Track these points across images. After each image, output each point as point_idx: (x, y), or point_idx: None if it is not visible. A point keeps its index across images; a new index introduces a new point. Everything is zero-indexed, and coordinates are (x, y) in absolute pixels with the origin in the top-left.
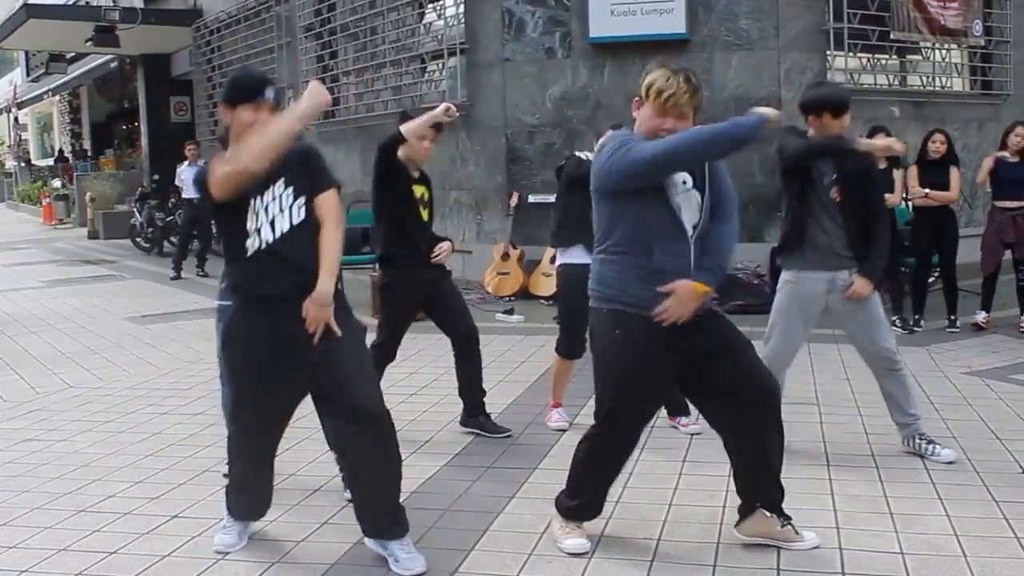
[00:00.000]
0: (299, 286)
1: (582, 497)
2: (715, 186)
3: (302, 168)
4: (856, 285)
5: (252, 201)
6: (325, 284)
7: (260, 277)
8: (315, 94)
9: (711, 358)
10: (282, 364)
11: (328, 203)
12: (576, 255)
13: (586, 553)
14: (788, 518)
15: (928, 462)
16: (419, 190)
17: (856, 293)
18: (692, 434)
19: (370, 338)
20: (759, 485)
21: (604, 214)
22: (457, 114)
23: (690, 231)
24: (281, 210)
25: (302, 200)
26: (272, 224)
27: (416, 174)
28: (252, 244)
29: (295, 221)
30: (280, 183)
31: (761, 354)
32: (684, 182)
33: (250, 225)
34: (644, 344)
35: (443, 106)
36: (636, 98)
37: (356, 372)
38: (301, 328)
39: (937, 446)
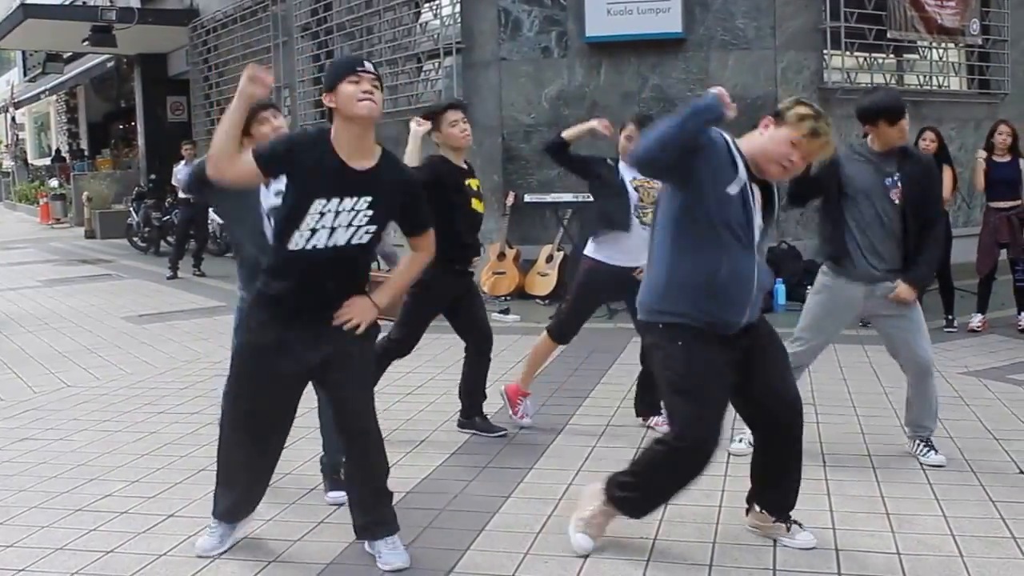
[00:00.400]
0: (320, 303)
1: (637, 492)
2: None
3: (399, 199)
4: (900, 290)
5: (319, 200)
6: (383, 297)
7: (288, 279)
8: (246, 76)
9: (751, 363)
10: (284, 358)
11: (428, 240)
12: (611, 253)
13: (585, 554)
14: (787, 521)
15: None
16: (474, 183)
17: (899, 297)
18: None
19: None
20: (769, 486)
21: None
22: (428, 124)
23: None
24: (349, 225)
25: (374, 228)
26: (331, 232)
27: (464, 165)
28: (299, 239)
29: (353, 242)
30: (364, 199)
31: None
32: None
33: (306, 222)
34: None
35: (414, 121)
36: (768, 117)
37: (359, 392)
38: (311, 331)
39: (932, 451)
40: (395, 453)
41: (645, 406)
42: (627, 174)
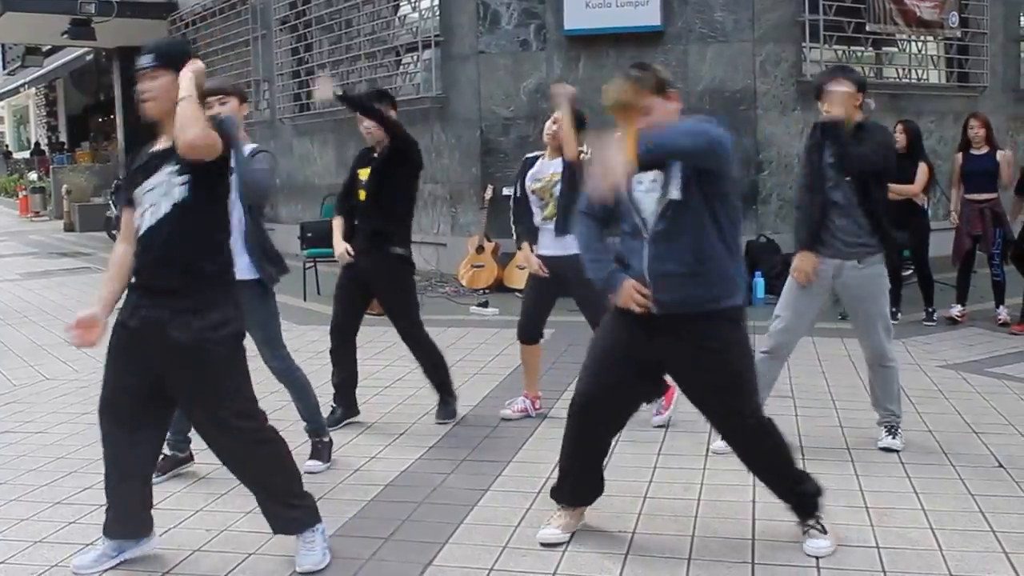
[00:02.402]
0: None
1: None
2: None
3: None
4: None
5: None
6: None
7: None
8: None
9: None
10: (129, 353)
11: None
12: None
13: (560, 544)
14: (809, 522)
15: (903, 455)
16: (364, 172)
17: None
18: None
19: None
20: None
21: None
22: None
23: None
24: (166, 194)
25: (186, 176)
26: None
27: (375, 154)
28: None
29: (176, 200)
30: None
31: (768, 332)
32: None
33: (138, 211)
34: None
35: None
36: None
37: (199, 410)
38: (150, 327)
39: (888, 436)
40: (373, 446)
41: None
42: (531, 177)
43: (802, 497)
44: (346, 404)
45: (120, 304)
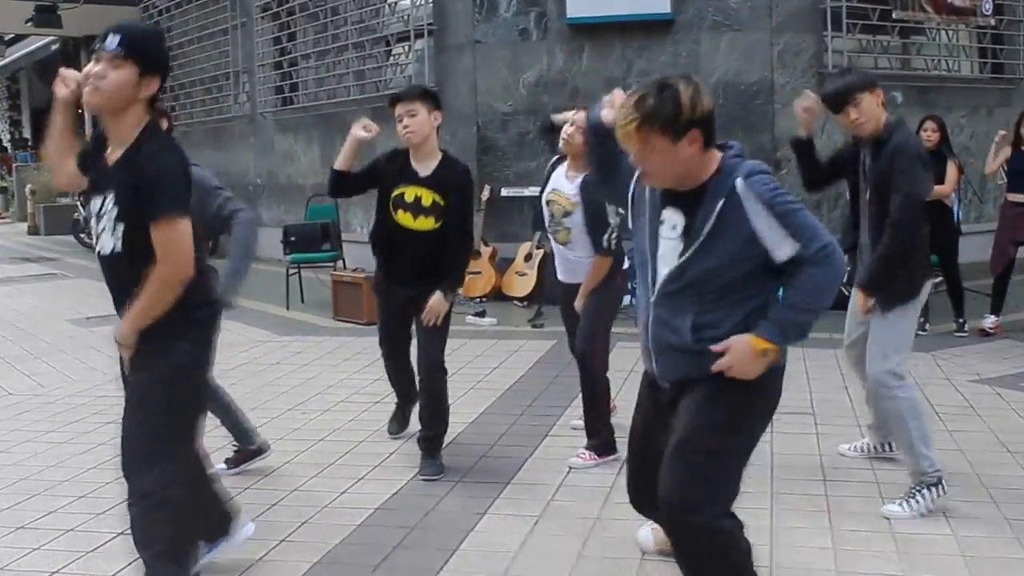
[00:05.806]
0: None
1: None
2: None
3: (131, 184)
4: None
5: (92, 199)
6: (126, 324)
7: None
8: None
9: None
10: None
11: (164, 241)
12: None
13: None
14: None
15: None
16: (411, 192)
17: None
18: None
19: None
20: None
21: None
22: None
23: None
24: (104, 229)
25: (121, 228)
26: (99, 237)
27: (422, 172)
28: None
29: (108, 249)
30: (110, 197)
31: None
32: (673, 227)
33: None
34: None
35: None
36: None
37: (126, 439)
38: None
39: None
40: (361, 467)
41: None
42: (553, 182)
43: None
44: (406, 398)
45: None
